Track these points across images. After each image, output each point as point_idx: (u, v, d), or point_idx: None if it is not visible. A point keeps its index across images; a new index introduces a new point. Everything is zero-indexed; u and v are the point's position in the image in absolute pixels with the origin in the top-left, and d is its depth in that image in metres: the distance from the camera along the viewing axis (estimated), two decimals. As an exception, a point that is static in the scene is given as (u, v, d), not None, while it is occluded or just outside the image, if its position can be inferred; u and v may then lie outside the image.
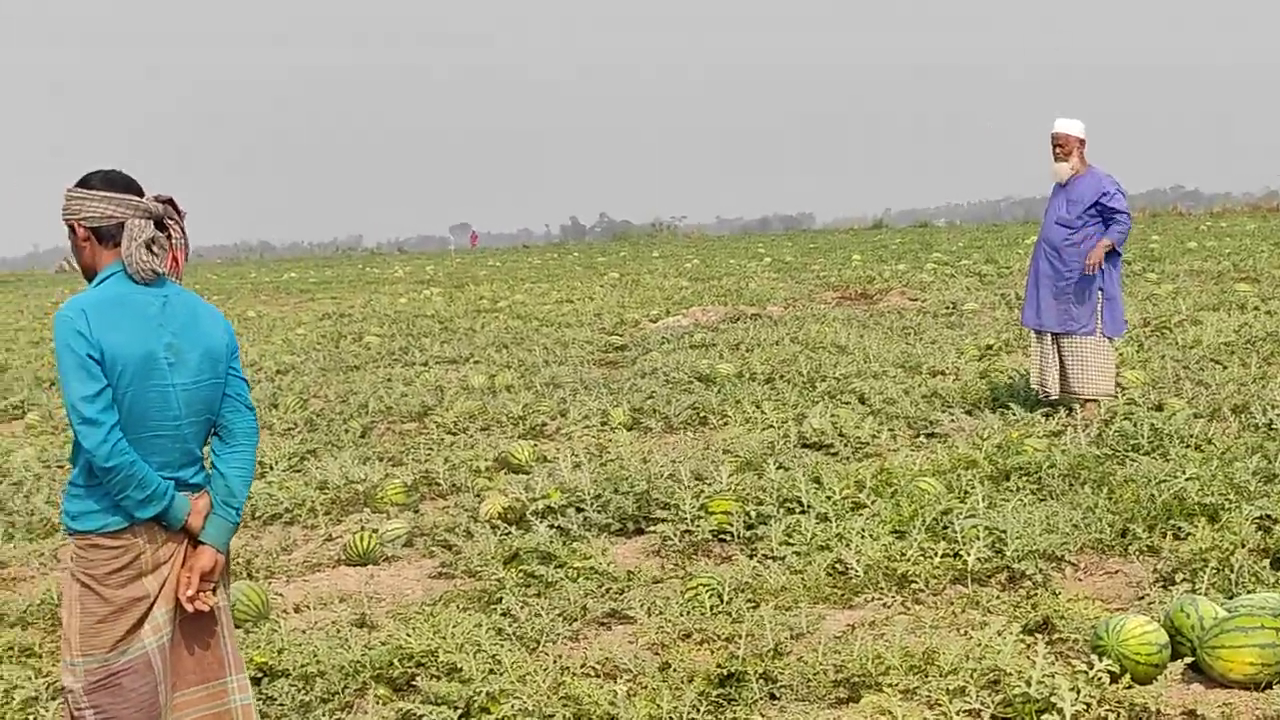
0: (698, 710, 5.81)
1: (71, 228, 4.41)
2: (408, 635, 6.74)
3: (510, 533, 8.80)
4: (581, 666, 6.47)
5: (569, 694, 5.96)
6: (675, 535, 8.64)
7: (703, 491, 9.26)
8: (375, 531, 9.09)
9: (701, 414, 13.04)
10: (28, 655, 7.12)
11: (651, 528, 8.98)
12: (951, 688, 5.80)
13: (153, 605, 4.33)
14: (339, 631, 7.23)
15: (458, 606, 7.52)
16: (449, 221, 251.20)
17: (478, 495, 10.13)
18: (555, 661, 6.53)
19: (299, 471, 11.55)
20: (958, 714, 5.63)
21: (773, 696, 6.08)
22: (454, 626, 6.81)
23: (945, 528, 8.19)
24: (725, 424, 12.61)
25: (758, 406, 12.99)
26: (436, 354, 19.38)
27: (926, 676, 5.98)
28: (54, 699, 6.36)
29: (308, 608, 7.92)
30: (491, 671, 6.21)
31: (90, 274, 4.44)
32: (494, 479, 10.70)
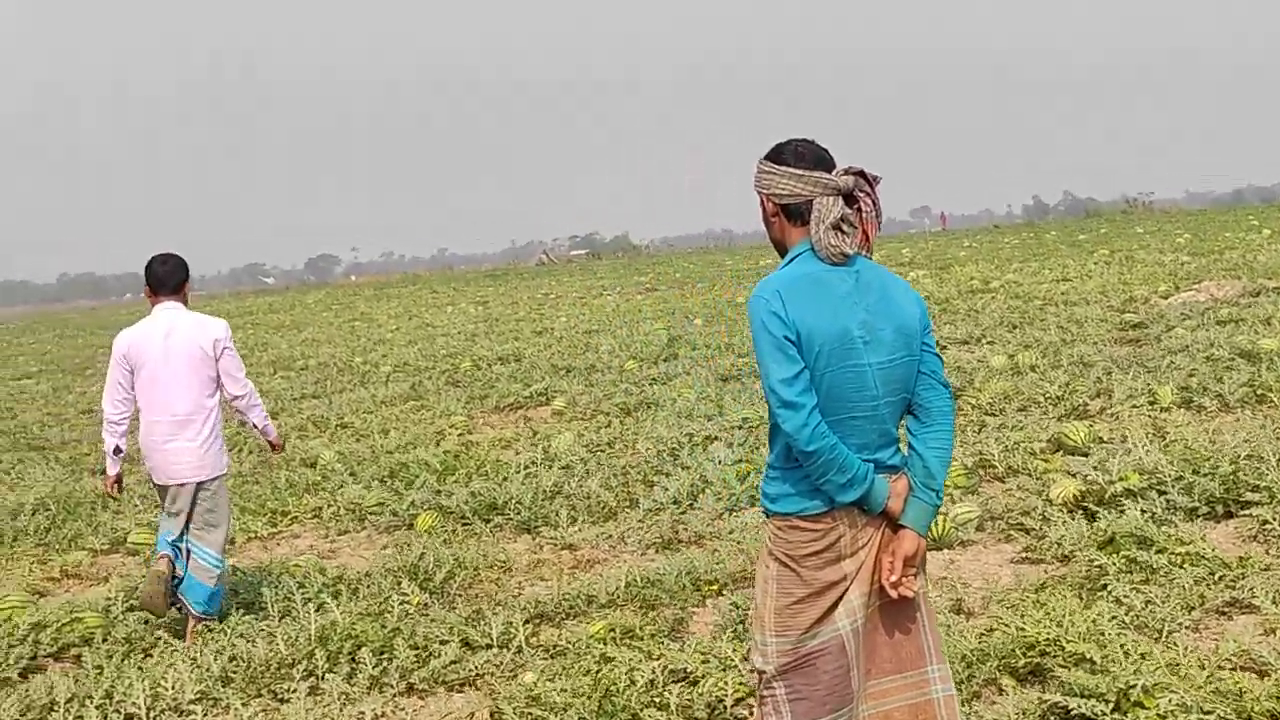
0: (1376, 712, 5.27)
1: (761, 200, 4.31)
2: (1021, 623, 6.41)
3: (1099, 515, 8.34)
4: (1215, 659, 6.01)
5: (1223, 689, 5.51)
6: (1275, 519, 8.00)
7: (1298, 473, 8.58)
8: (945, 515, 8.81)
9: (1259, 391, 12.17)
10: (630, 636, 7.17)
11: (1243, 511, 8.38)
12: None
13: (848, 588, 4.17)
14: (940, 619, 6.98)
15: (1061, 593, 7.15)
16: (908, 205, 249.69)
17: (1039, 478, 9.72)
18: (1186, 653, 6.08)
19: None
20: None
21: None
22: (1071, 614, 6.46)
23: None
24: (1288, 401, 11.74)
25: (1323, 382, 12.04)
26: (947, 335, 18.96)
27: None
28: (675, 682, 6.36)
29: (895, 592, 7.71)
30: (1130, 662, 5.81)
31: (780, 249, 4.34)
32: (1051, 460, 10.26)
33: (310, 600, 8.33)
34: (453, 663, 7.00)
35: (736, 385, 16.32)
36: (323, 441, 15.65)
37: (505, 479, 11.53)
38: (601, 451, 12.86)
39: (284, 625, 7.74)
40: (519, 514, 10.37)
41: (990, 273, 31.10)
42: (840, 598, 4.16)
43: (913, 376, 4.25)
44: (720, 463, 11.11)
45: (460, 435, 15.21)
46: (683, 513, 9.93)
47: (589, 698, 6.13)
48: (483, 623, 7.51)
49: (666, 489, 10.46)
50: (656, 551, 9.22)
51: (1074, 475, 9.43)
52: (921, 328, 4.28)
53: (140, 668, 7.37)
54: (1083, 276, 27.39)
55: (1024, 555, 8.21)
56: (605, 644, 7.03)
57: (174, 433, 7.87)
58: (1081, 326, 18.58)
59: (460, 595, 8.54)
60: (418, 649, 7.22)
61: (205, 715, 6.66)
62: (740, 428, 13.01)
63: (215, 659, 7.25)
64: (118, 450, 8.09)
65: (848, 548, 4.15)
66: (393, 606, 7.91)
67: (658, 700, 6.12)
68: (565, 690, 6.26)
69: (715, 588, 8.00)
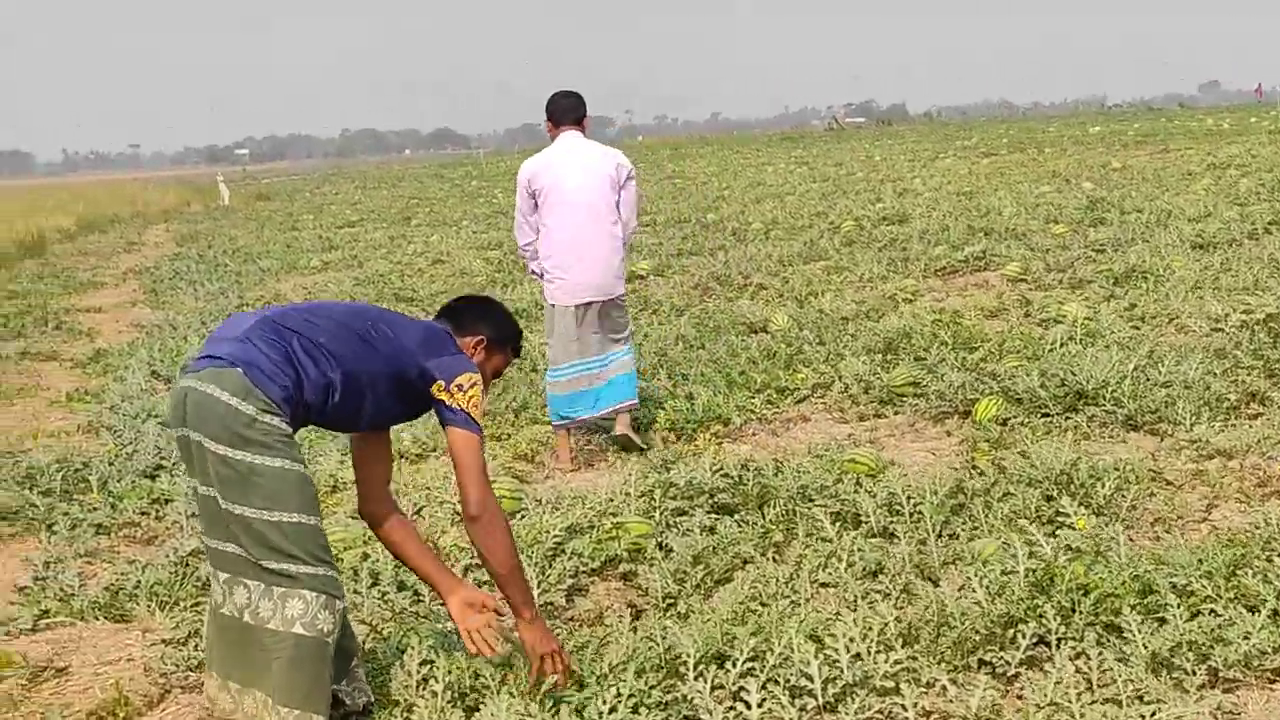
0: None
1: None
2: None
3: None
4: None
5: None
6: None
7: None
8: None
9: None
10: None
11: None
12: None
13: None
14: None
15: None
16: (1195, 80, 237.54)
17: None
18: None
19: None
20: None
21: None
22: None
23: None
24: None
25: None
26: None
27: None
28: None
29: None
30: None
31: None
32: None
33: (929, 517, 6.11)
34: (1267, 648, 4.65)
35: (1226, 254, 13.61)
36: (744, 303, 13.50)
37: (1062, 358, 9.12)
38: (1140, 328, 10.38)
39: (972, 566, 5.49)
40: (1119, 405, 7.98)
41: None
42: None
43: None
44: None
45: (915, 302, 12.86)
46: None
47: None
48: (1252, 571, 5.15)
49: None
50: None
51: None
52: None
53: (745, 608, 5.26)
54: None
55: None
56: None
57: (589, 250, 8.11)
58: None
59: (1136, 519, 6.22)
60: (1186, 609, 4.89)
61: (908, 694, 4.45)
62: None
63: (889, 608, 5.04)
64: (536, 273, 8.51)
65: None
66: (1115, 544, 5.55)
67: None
68: None
69: None
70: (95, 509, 7.68)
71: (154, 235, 33.97)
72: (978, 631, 4.84)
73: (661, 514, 6.63)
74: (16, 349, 14.15)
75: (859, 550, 5.85)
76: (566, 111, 8.30)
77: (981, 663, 4.76)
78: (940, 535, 6.05)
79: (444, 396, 4.39)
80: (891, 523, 6.23)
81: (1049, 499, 6.28)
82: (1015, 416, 8.12)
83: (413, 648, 4.70)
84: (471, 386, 4.42)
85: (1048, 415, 8.11)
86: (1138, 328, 10.35)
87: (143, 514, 7.64)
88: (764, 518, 6.55)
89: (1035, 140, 44.08)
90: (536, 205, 8.22)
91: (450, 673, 4.55)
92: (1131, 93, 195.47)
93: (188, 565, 6.66)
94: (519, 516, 7.02)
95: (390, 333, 4.42)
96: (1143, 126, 49.60)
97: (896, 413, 8.75)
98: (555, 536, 6.29)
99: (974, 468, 7.18)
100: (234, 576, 4.17)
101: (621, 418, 8.42)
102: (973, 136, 50.86)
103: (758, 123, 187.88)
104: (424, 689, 4.51)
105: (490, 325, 4.79)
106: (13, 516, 7.77)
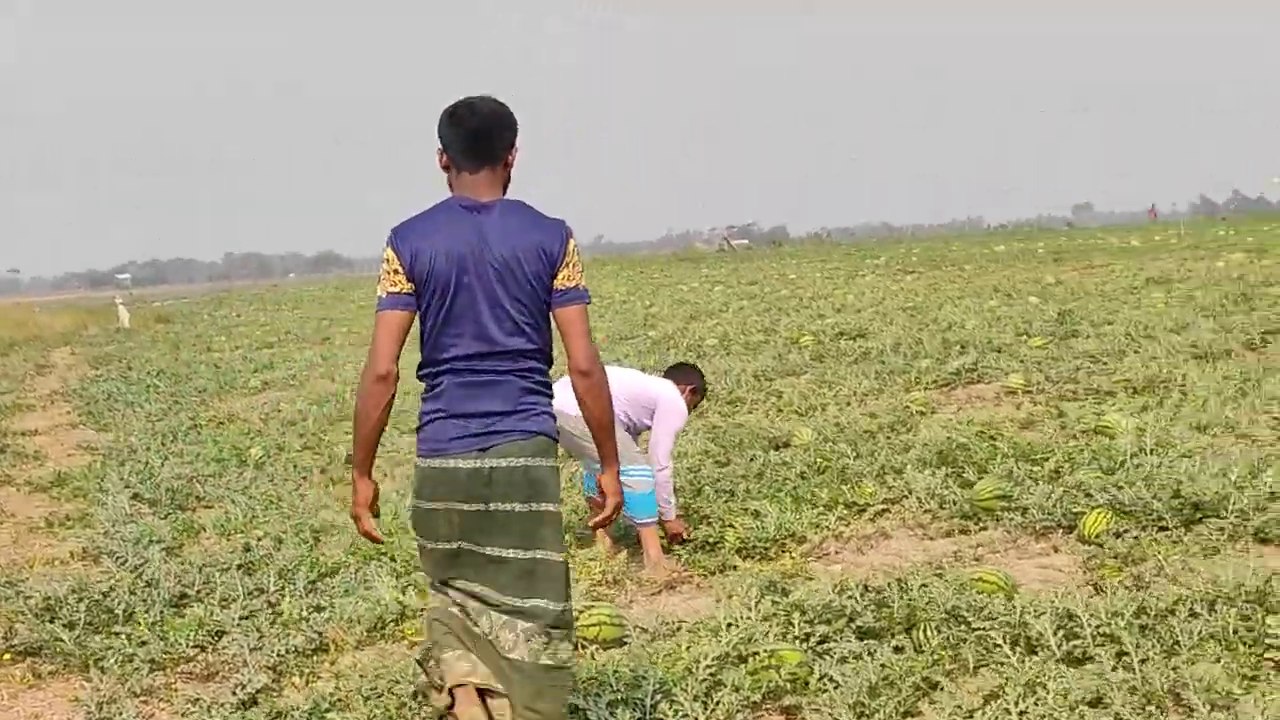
0: None
1: None
2: None
3: None
4: None
5: None
6: None
7: None
8: None
9: None
10: None
11: None
12: None
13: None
14: None
15: None
16: (1068, 202, 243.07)
17: None
18: None
19: None
20: None
21: None
22: None
23: None
24: None
25: None
26: None
27: None
28: None
29: None
30: None
31: None
32: None
33: (1126, 639, 5.51)
34: None
35: (1229, 364, 13.32)
36: (746, 417, 12.95)
37: (1130, 466, 8.66)
38: (1211, 435, 9.90)
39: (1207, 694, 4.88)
40: (1246, 517, 7.46)
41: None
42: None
43: None
44: None
45: (930, 415, 12.36)
46: None
47: None
48: None
49: None
50: None
51: None
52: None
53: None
54: None
55: None
56: None
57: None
58: None
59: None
60: None
61: None
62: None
63: None
64: None
65: None
66: None
67: None
68: None
69: None
70: (144, 643, 6.85)
71: (60, 358, 32.70)
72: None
73: (804, 641, 5.97)
74: (-39, 474, 13.15)
75: (1061, 677, 5.23)
76: None
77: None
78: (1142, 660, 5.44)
79: (568, 282, 4.48)
80: (1076, 646, 5.61)
81: (1245, 618, 5.71)
82: (1128, 530, 7.56)
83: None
84: (577, 253, 4.53)
85: (1165, 529, 7.56)
86: (1205, 433, 9.89)
87: (197, 648, 6.83)
88: (915, 642, 5.94)
89: (946, 258, 44.26)
90: None
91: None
92: (1004, 215, 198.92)
93: (257, 703, 5.93)
94: (621, 644, 6.39)
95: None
96: (1048, 244, 50.22)
97: (983, 528, 8.17)
98: (707, 666, 5.61)
99: (1100, 586, 6.65)
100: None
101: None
102: (880, 255, 51.04)
103: (644, 244, 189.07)
104: None
105: None
106: (43, 652, 6.94)
